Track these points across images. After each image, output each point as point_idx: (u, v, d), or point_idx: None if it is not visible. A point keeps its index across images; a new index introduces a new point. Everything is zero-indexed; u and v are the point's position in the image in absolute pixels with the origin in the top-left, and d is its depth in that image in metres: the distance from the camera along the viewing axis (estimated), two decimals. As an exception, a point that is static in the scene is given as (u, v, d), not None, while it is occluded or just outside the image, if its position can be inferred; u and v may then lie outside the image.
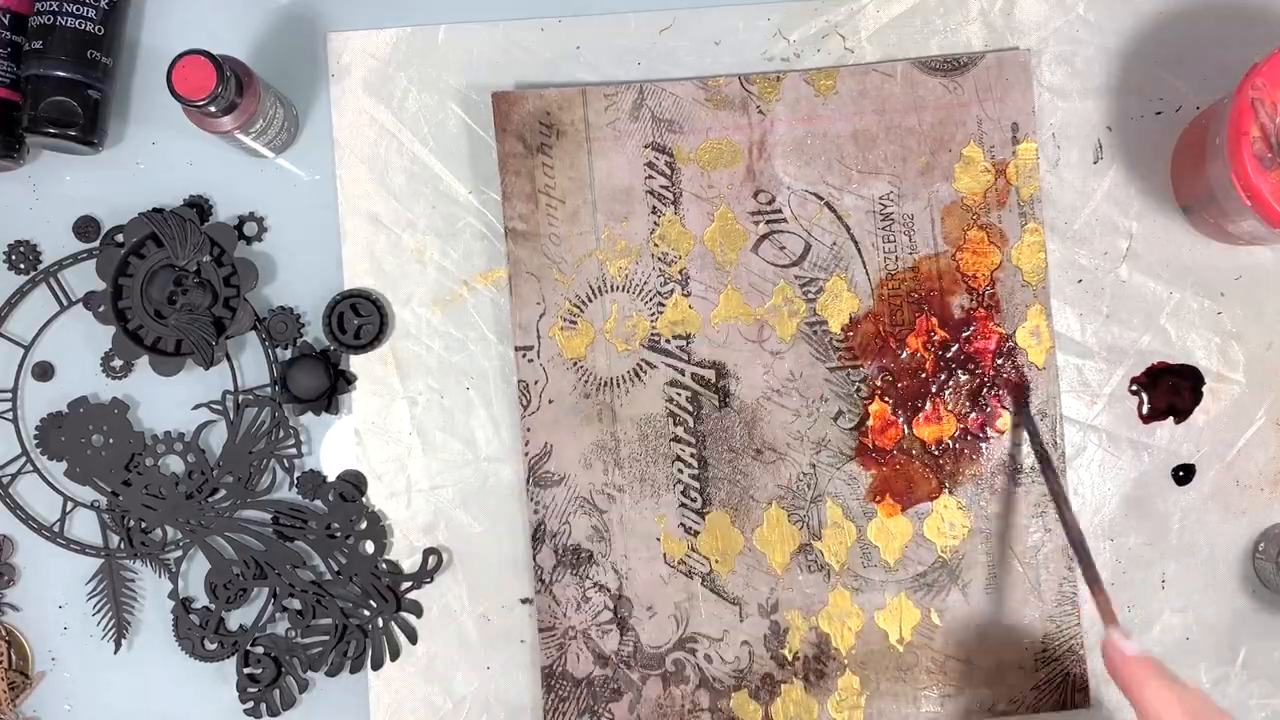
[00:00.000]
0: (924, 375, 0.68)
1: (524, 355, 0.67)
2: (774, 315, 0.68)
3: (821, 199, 0.68)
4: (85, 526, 0.69)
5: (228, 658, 0.68)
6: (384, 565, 0.68)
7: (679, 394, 0.68)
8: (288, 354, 0.69)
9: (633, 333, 0.68)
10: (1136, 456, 0.69)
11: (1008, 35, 0.69)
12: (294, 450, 0.69)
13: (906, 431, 0.68)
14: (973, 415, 0.68)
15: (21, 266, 0.69)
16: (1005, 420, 0.67)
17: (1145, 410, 0.69)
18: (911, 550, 0.68)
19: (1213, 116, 0.64)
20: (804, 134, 0.68)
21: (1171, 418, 0.69)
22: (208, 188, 0.70)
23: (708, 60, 0.69)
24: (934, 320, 0.68)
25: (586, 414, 0.67)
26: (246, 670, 0.68)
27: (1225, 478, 0.69)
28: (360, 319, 0.68)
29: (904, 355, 0.68)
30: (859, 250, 0.68)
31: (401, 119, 0.69)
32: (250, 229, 0.69)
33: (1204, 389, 0.69)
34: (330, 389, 0.68)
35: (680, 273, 0.68)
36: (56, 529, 0.69)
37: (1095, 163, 0.69)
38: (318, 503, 0.68)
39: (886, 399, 0.68)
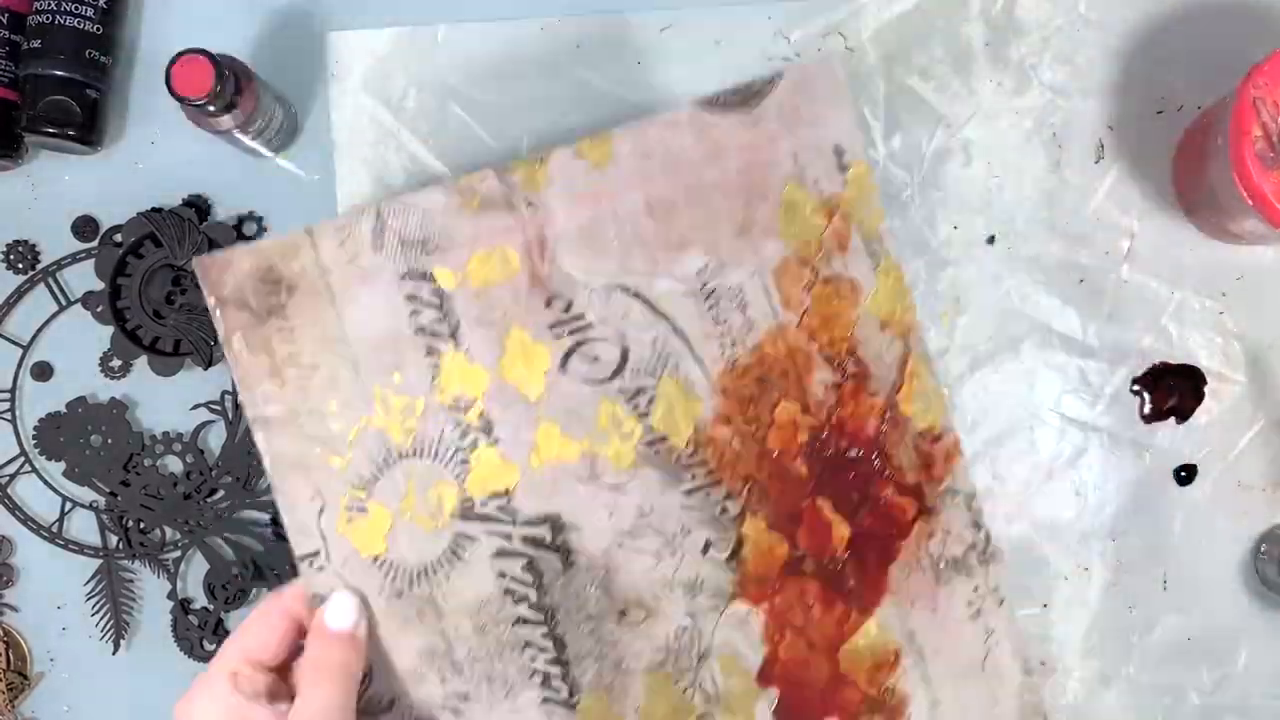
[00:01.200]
0: (799, 477, 0.56)
1: (311, 564, 0.53)
2: (603, 443, 0.55)
3: (628, 289, 0.55)
4: (84, 527, 0.69)
5: (227, 659, 0.68)
6: (383, 566, 0.68)
7: (511, 565, 0.54)
8: (287, 354, 0.69)
9: (439, 505, 0.54)
10: (1138, 457, 0.69)
11: (1008, 34, 0.69)
12: (293, 450, 0.69)
13: (792, 549, 0.56)
14: (866, 512, 0.56)
15: (20, 266, 0.69)
16: (910, 509, 0.57)
17: (1147, 410, 0.69)
18: (834, 696, 0.56)
19: (1214, 116, 0.64)
20: (589, 218, 0.55)
21: (1173, 418, 0.69)
22: (207, 187, 0.70)
23: (708, 60, 0.69)
24: (795, 408, 0.56)
25: (403, 617, 0.53)
26: (245, 671, 0.68)
27: (1227, 478, 0.69)
28: (360, 319, 0.68)
29: (770, 458, 0.56)
30: (686, 342, 0.55)
31: (401, 119, 0.69)
32: (249, 229, 0.69)
33: (1205, 389, 0.69)
34: (329, 389, 0.68)
35: (480, 418, 0.54)
36: (55, 529, 0.69)
37: (1096, 162, 0.69)
38: (317, 503, 0.68)
39: (759, 515, 0.56)
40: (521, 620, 0.55)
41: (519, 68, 0.69)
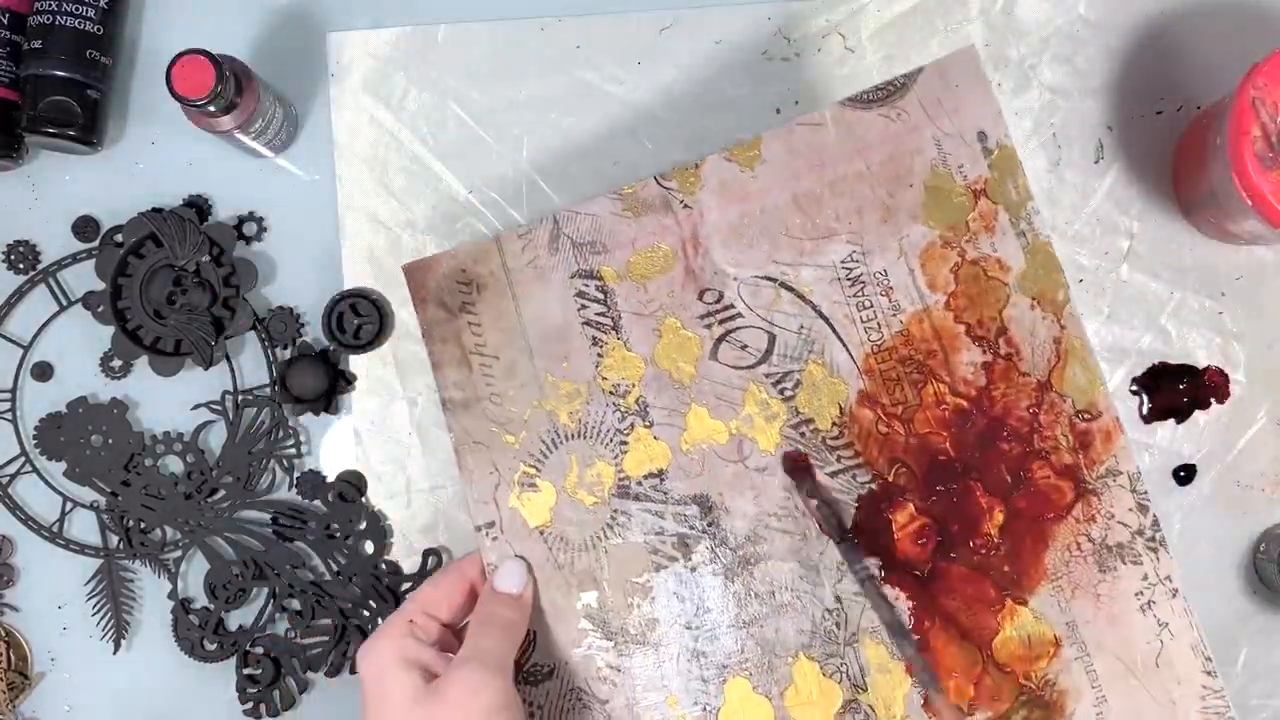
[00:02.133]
0: (948, 459, 0.56)
1: (488, 534, 0.58)
2: (750, 425, 0.58)
3: (775, 281, 0.58)
4: (84, 527, 0.69)
5: (227, 658, 0.68)
6: (384, 566, 0.68)
7: (663, 543, 0.58)
8: (287, 354, 0.69)
9: (598, 482, 0.58)
10: (1137, 457, 0.69)
11: (1008, 34, 0.69)
12: (294, 450, 0.69)
13: (943, 534, 0.56)
14: (1022, 495, 0.56)
15: (21, 266, 0.69)
16: (1068, 491, 0.56)
17: (1146, 410, 0.69)
18: (984, 683, 0.55)
19: (1214, 116, 0.64)
20: (739, 215, 0.58)
21: (1172, 418, 0.69)
22: (207, 187, 0.70)
23: (708, 60, 0.69)
24: (943, 388, 0.57)
25: (565, 587, 0.58)
26: (246, 671, 0.68)
27: (1226, 478, 0.69)
28: (360, 319, 0.68)
29: (918, 439, 0.57)
30: (832, 327, 0.58)
31: (401, 119, 0.69)
32: (250, 229, 0.69)
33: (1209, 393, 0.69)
34: (330, 389, 0.68)
35: (637, 402, 0.58)
36: (56, 529, 0.69)
37: (1096, 162, 0.69)
38: (317, 503, 0.68)
39: (908, 498, 0.56)
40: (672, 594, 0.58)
41: (519, 68, 0.69)
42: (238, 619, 0.69)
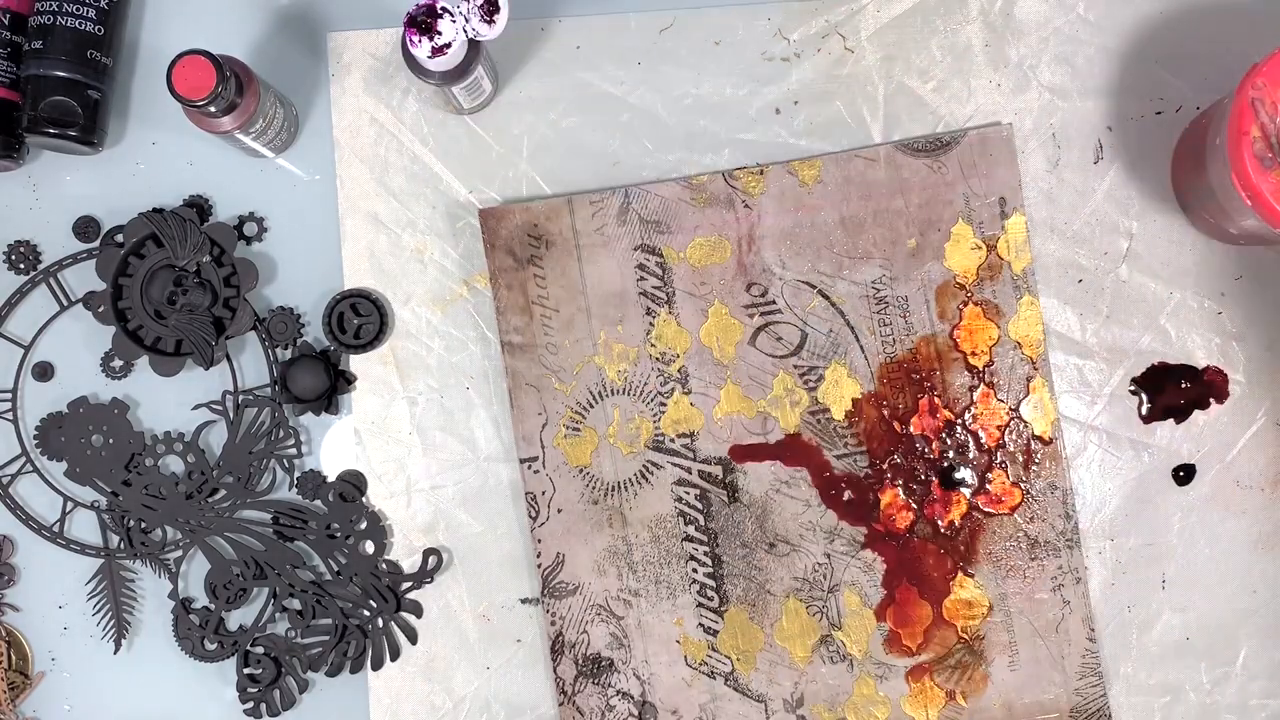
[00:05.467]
0: (931, 457, 0.68)
1: (529, 467, 0.67)
2: (776, 407, 0.68)
3: (814, 287, 0.68)
4: (85, 527, 0.69)
5: (228, 658, 0.68)
6: (384, 565, 0.68)
7: (687, 493, 0.67)
8: (288, 354, 0.69)
9: (636, 435, 0.67)
10: (1137, 457, 0.69)
11: (1007, 35, 0.69)
12: (294, 450, 0.69)
13: (918, 515, 0.67)
14: (982, 494, 0.68)
15: (21, 266, 0.69)
16: (1017, 496, 0.67)
17: (1145, 410, 0.69)
18: (933, 633, 0.67)
19: (1213, 116, 0.64)
20: (792, 224, 0.68)
21: (1171, 418, 0.69)
22: (208, 188, 0.70)
23: (708, 60, 0.69)
24: (937, 401, 0.68)
25: (596, 520, 0.67)
26: (246, 670, 0.68)
27: (1225, 478, 0.69)
28: (360, 319, 0.68)
29: (909, 438, 0.67)
30: (856, 336, 0.68)
31: (401, 119, 0.69)
32: (250, 229, 0.69)
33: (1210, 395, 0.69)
34: (330, 389, 0.68)
35: (679, 371, 0.68)
36: (56, 529, 0.69)
37: (1095, 163, 0.69)
38: (318, 503, 0.68)
39: (896, 483, 0.67)
40: (689, 538, 0.68)
41: (519, 68, 0.69)
42: (238, 619, 0.69)
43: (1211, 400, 0.69)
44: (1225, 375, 0.69)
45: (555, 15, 0.69)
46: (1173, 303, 0.69)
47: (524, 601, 0.69)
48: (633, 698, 0.67)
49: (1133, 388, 0.69)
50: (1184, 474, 0.69)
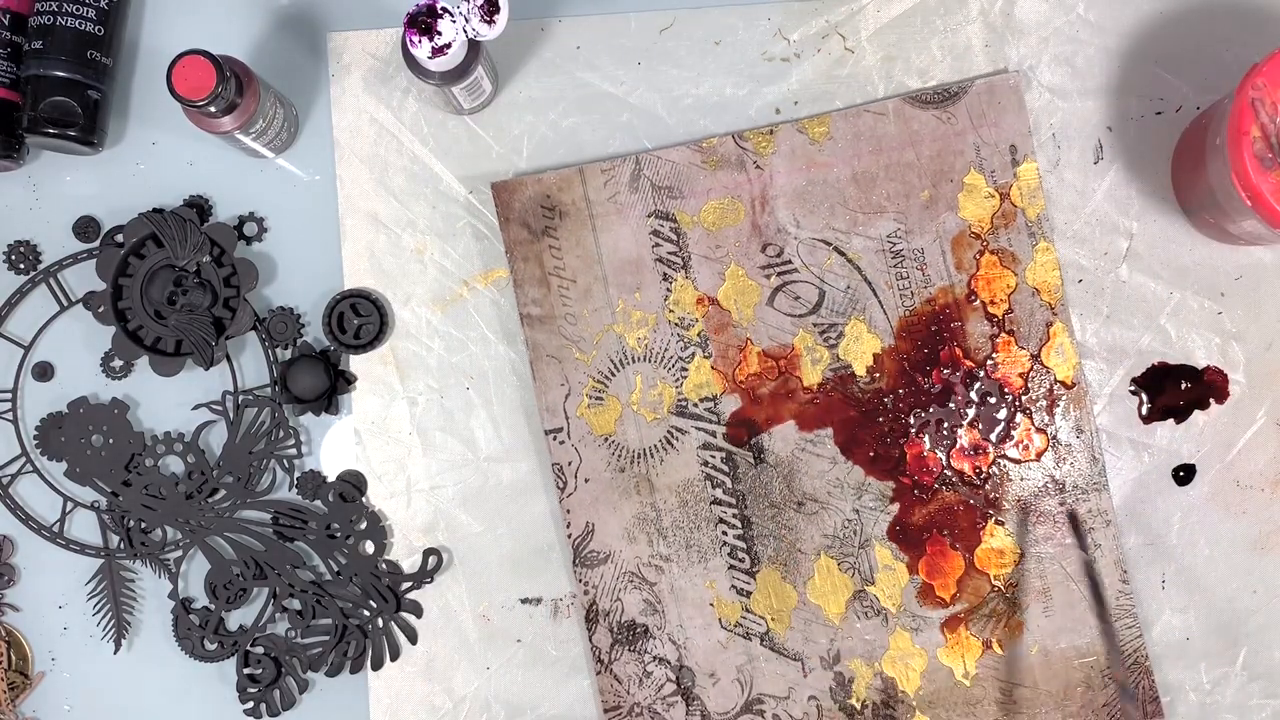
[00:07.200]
0: (954, 407, 0.68)
1: (554, 438, 0.68)
2: (797, 365, 0.68)
3: (829, 244, 0.68)
4: (85, 527, 0.69)
5: (228, 658, 0.68)
6: (384, 565, 0.68)
7: (713, 456, 0.68)
8: (288, 354, 0.69)
9: (659, 401, 0.68)
10: (1137, 457, 0.69)
11: (1007, 35, 0.69)
12: (294, 450, 0.69)
13: (944, 466, 0.67)
14: (1009, 441, 0.68)
15: (21, 266, 0.69)
16: (1043, 442, 0.67)
17: (1145, 410, 0.69)
18: (966, 583, 0.67)
19: (1213, 116, 0.64)
20: (804, 182, 0.68)
21: (1171, 418, 0.69)
22: (208, 188, 0.70)
23: (708, 60, 0.69)
24: (958, 351, 0.68)
25: (624, 488, 0.68)
26: (246, 670, 0.68)
27: (1225, 478, 0.69)
28: (360, 319, 0.68)
29: (932, 390, 0.67)
30: (874, 291, 0.68)
31: (401, 119, 0.69)
32: (250, 229, 0.69)
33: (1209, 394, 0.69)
34: (330, 389, 0.68)
35: (699, 335, 0.68)
36: (56, 529, 0.69)
37: (1095, 163, 0.69)
38: (318, 503, 0.68)
39: (921, 436, 0.67)
40: (717, 501, 0.68)
41: (519, 68, 0.69)
42: (238, 619, 0.69)
43: (1211, 400, 0.69)
44: (1225, 375, 0.69)
45: (555, 15, 0.70)
46: (1173, 303, 0.69)
47: (524, 601, 0.69)
48: (669, 663, 0.68)
49: (1133, 388, 0.69)
50: (1184, 474, 0.69)
